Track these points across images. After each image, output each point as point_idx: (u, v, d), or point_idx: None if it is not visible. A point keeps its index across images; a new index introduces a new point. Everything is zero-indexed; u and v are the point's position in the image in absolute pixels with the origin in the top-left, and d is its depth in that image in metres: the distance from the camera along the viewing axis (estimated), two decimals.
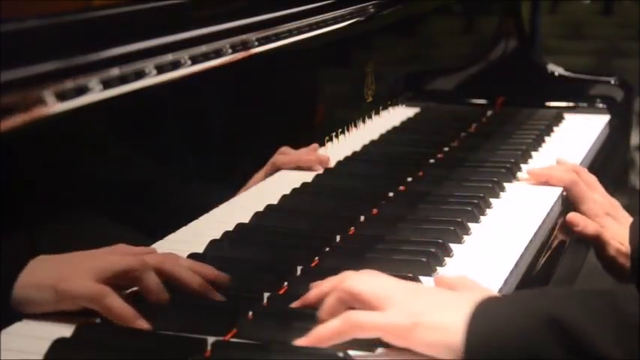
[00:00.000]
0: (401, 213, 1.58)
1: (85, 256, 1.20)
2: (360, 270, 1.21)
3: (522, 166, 1.90)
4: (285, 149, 1.77)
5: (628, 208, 1.75)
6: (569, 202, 1.75)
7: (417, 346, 1.07)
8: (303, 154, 1.81)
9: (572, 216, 1.70)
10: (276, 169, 1.75)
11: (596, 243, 1.69)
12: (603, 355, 0.99)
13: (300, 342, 1.08)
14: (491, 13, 2.73)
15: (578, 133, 2.24)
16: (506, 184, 1.76)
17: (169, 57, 1.31)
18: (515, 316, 1.04)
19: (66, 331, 1.11)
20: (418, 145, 2.07)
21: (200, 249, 1.39)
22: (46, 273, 1.16)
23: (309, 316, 1.16)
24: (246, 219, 1.53)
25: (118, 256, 1.22)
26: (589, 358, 0.99)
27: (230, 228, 1.47)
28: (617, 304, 1.02)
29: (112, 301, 1.15)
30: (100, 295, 1.15)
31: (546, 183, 1.78)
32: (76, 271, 1.17)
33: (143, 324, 1.14)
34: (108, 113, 1.26)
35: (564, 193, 1.75)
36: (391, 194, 1.70)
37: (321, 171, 1.80)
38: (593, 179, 1.80)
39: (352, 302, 1.11)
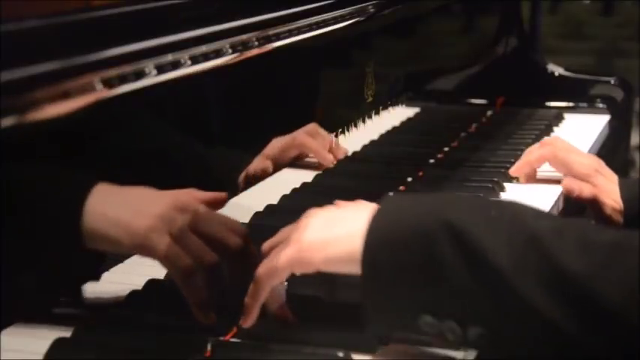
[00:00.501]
0: None
1: (164, 203, 1.13)
2: None
3: None
4: (314, 128, 1.77)
5: None
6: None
7: (330, 265, 1.08)
8: (324, 148, 1.82)
9: (567, 183, 1.72)
10: (293, 147, 1.75)
11: (592, 205, 1.70)
12: (494, 260, 0.99)
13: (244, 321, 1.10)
14: (491, 13, 2.73)
15: (578, 133, 2.24)
16: (506, 184, 1.76)
17: (169, 57, 1.31)
18: (414, 215, 1.04)
19: (66, 331, 1.11)
20: (418, 145, 2.07)
21: None
22: (120, 208, 1.12)
23: (310, 316, 1.16)
24: (246, 219, 1.53)
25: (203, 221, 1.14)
26: (480, 260, 0.99)
27: None
28: (515, 215, 1.03)
29: (195, 281, 1.10)
30: (187, 272, 1.10)
31: (533, 172, 1.79)
32: (156, 223, 1.10)
33: (211, 315, 1.12)
34: (108, 113, 1.26)
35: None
36: (391, 194, 1.70)
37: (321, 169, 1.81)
38: (567, 144, 1.81)
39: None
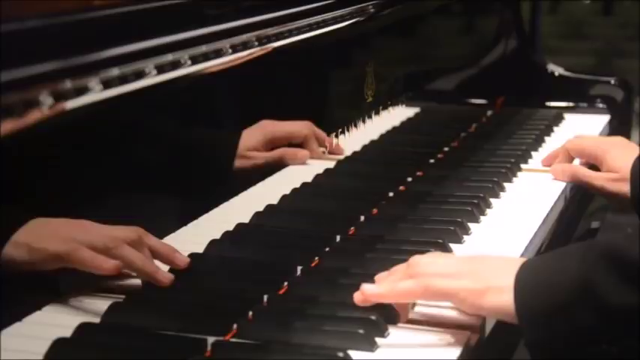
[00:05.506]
0: (401, 213, 1.58)
1: None
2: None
3: (522, 166, 1.90)
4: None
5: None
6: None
7: (488, 311, 1.15)
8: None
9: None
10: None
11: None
12: None
13: (367, 289, 1.17)
14: (491, 13, 2.73)
15: (578, 134, 2.24)
16: (506, 184, 1.76)
17: (169, 57, 1.31)
18: (565, 266, 1.12)
19: (66, 331, 1.11)
20: (418, 145, 2.07)
21: (200, 249, 1.39)
22: None
23: (310, 316, 1.16)
24: (246, 219, 1.53)
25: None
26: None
27: (230, 228, 1.47)
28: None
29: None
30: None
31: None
32: None
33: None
34: (108, 113, 1.26)
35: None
36: (391, 194, 1.70)
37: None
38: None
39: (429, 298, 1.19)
